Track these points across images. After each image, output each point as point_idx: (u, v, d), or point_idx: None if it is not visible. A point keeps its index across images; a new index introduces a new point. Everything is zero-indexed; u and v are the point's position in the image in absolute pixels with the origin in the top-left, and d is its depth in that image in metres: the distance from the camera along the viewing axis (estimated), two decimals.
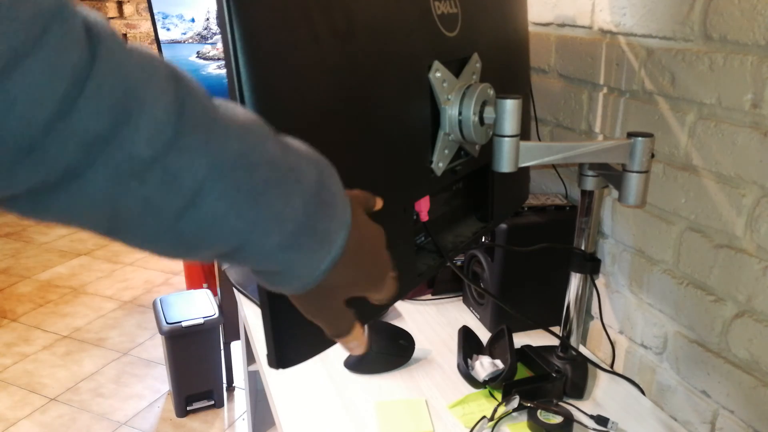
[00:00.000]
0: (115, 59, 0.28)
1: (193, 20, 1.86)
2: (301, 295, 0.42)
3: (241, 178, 0.34)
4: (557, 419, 0.85)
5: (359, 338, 0.48)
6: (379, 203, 0.51)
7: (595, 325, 1.11)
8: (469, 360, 0.99)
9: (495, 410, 0.87)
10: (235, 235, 0.35)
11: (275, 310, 0.51)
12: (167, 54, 1.87)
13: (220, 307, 2.11)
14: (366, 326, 1.01)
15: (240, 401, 2.27)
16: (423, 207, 0.70)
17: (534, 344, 1.03)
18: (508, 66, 0.86)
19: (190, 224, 0.33)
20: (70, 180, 0.29)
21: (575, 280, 0.94)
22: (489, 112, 0.69)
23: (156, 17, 1.85)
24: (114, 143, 0.29)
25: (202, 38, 1.88)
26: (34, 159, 0.27)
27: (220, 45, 1.86)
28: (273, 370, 0.93)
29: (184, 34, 1.87)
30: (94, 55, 0.27)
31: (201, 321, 2.01)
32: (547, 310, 1.11)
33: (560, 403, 0.89)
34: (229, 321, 2.15)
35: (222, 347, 2.17)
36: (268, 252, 0.36)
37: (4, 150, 0.26)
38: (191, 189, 0.32)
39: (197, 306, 2.08)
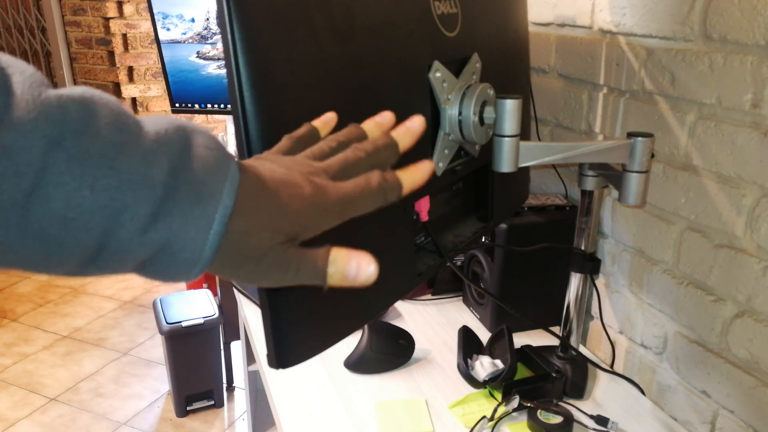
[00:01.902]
0: None
1: (193, 20, 1.86)
2: (221, 267, 0.35)
3: (86, 144, 0.29)
4: (557, 419, 0.85)
5: (345, 260, 0.38)
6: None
7: (595, 325, 1.11)
8: (469, 360, 0.99)
9: (495, 410, 0.87)
10: (96, 213, 0.30)
11: (275, 310, 0.51)
12: (167, 54, 1.87)
13: (220, 307, 2.11)
14: (365, 322, 1.01)
15: (240, 401, 2.27)
16: (423, 207, 0.70)
17: (534, 344, 1.03)
18: (508, 66, 0.86)
19: (42, 211, 0.29)
20: None
21: (575, 280, 0.94)
22: (489, 112, 0.69)
23: (156, 17, 1.85)
24: None
25: (202, 38, 1.88)
26: None
27: (220, 45, 1.86)
28: (273, 370, 0.93)
29: (184, 34, 1.87)
30: None
31: (201, 321, 2.01)
32: (547, 310, 1.11)
33: (560, 403, 0.89)
34: (229, 321, 2.15)
35: (222, 347, 2.17)
36: (137, 228, 0.31)
37: None
38: (32, 166, 0.28)
39: (197, 306, 2.08)
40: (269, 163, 0.38)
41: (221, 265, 0.35)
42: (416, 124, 0.44)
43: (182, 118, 0.35)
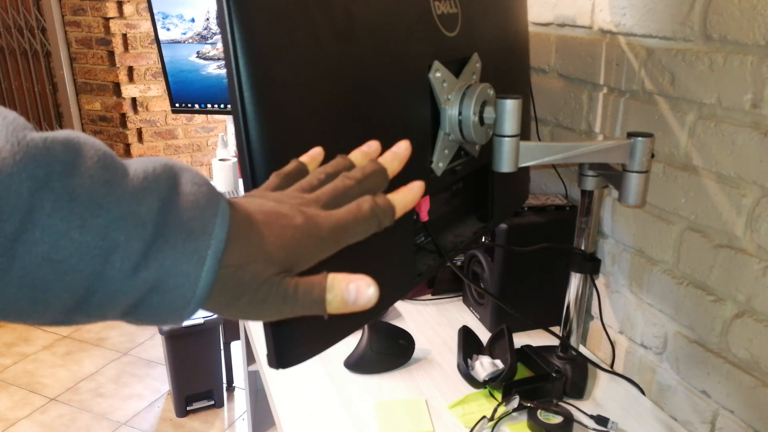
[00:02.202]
0: None
1: (193, 20, 1.86)
2: (216, 304, 0.35)
3: (73, 184, 0.29)
4: (557, 419, 0.85)
5: (343, 286, 0.37)
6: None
7: (595, 325, 1.11)
8: (469, 360, 0.99)
9: (495, 410, 0.87)
10: (85, 254, 0.29)
11: None
12: (167, 54, 1.87)
13: None
14: (366, 326, 1.01)
15: (240, 401, 2.27)
16: (423, 207, 0.70)
17: (534, 344, 1.03)
18: (508, 66, 0.86)
19: (28, 255, 0.28)
20: None
21: (575, 280, 0.94)
22: (489, 112, 0.69)
23: (156, 17, 1.85)
24: None
25: (202, 38, 1.88)
26: None
27: (220, 45, 1.86)
28: (273, 370, 0.93)
29: (184, 34, 1.87)
30: None
31: (201, 321, 2.01)
32: (547, 310, 1.11)
33: (560, 403, 0.89)
34: (229, 321, 2.15)
35: (222, 347, 2.17)
36: (134, 265, 0.30)
37: None
38: (18, 209, 0.27)
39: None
40: (258, 199, 0.38)
41: (216, 301, 0.34)
42: (402, 149, 0.44)
43: (172, 158, 0.35)
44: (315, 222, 0.37)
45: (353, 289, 0.37)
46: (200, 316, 2.02)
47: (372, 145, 0.46)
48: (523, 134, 0.74)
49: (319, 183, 0.41)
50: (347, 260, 0.57)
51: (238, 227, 0.34)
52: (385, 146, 0.61)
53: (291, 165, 0.43)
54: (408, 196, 0.42)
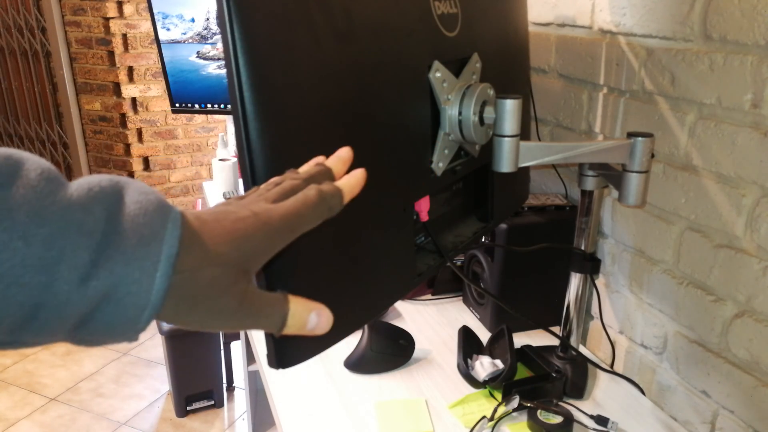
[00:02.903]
0: None
1: (193, 20, 1.86)
2: (177, 313, 0.34)
3: (15, 195, 0.28)
4: (557, 419, 0.85)
5: (303, 316, 0.38)
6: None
7: (595, 325, 1.11)
8: (469, 360, 0.99)
9: (495, 410, 0.87)
10: (30, 266, 0.28)
11: None
12: (167, 54, 1.87)
13: None
14: (366, 326, 1.01)
15: (240, 401, 2.27)
16: (423, 207, 0.69)
17: (534, 344, 1.03)
18: (508, 66, 0.86)
19: None
20: None
21: (575, 280, 0.94)
22: (489, 112, 0.69)
23: (156, 17, 1.85)
24: None
25: (202, 38, 1.88)
26: None
27: (220, 45, 1.86)
28: (273, 370, 0.93)
29: (184, 34, 1.87)
30: None
31: None
32: (547, 310, 1.11)
33: (560, 403, 0.89)
34: None
35: (222, 347, 2.17)
36: (82, 275, 0.29)
37: None
38: None
39: None
40: (205, 209, 0.38)
41: (173, 310, 0.33)
42: (344, 152, 0.46)
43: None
44: (265, 214, 0.37)
45: (314, 318, 0.39)
46: None
47: (319, 158, 0.47)
48: (523, 134, 0.74)
49: (266, 190, 0.41)
50: (347, 260, 0.57)
51: (190, 232, 0.34)
52: (386, 146, 0.61)
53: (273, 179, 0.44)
54: (352, 180, 0.43)
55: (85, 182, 0.31)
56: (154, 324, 2.64)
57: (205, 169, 3.96)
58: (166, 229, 0.32)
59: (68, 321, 0.30)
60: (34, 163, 0.30)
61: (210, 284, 0.34)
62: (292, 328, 0.38)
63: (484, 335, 1.08)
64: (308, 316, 0.38)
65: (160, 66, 3.57)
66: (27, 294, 0.28)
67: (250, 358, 1.81)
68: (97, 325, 0.31)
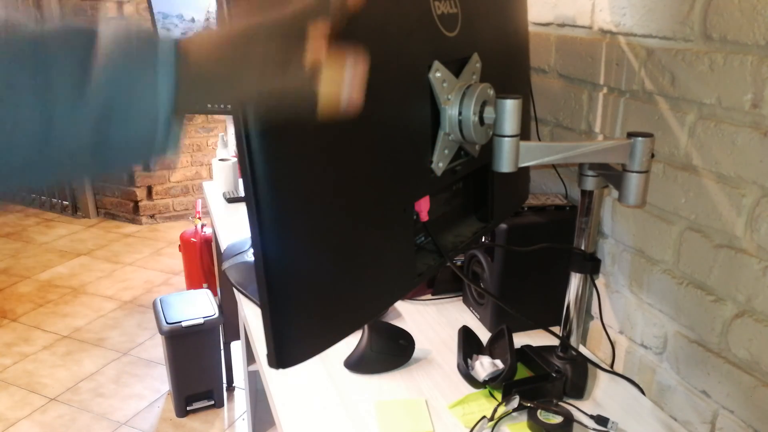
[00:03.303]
0: None
1: (193, 20, 1.86)
2: (194, 74, 0.38)
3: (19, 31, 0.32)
4: (557, 419, 0.85)
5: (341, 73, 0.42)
6: None
7: (595, 325, 1.11)
8: (469, 360, 0.99)
9: (495, 410, 0.87)
10: (27, 100, 0.32)
11: (275, 310, 0.51)
12: None
13: (220, 307, 2.11)
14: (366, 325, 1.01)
15: (240, 401, 2.27)
16: (423, 207, 0.69)
17: (534, 344, 1.03)
18: (508, 66, 0.86)
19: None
20: None
21: (575, 280, 0.94)
22: (489, 112, 0.69)
23: (156, 17, 1.85)
24: None
25: None
26: None
27: None
28: (273, 370, 0.93)
29: (184, 34, 1.87)
30: None
31: (201, 321, 2.01)
32: (547, 310, 1.11)
33: (560, 403, 0.89)
34: (229, 321, 2.15)
35: (222, 347, 2.17)
36: (76, 89, 0.32)
37: None
38: None
39: (197, 306, 2.08)
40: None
41: (186, 98, 0.36)
42: None
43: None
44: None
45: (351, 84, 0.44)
46: (200, 316, 2.02)
47: None
48: (523, 134, 0.74)
49: None
50: (348, 260, 0.57)
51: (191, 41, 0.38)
52: (386, 146, 0.61)
53: None
54: None
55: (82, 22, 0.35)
56: (154, 324, 2.64)
57: (205, 169, 3.96)
58: (162, 44, 0.36)
59: (80, 139, 0.33)
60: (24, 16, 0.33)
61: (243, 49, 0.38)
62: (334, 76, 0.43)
63: (484, 335, 1.08)
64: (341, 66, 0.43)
65: None
66: (31, 120, 0.31)
67: (250, 358, 1.81)
68: (116, 126, 0.34)
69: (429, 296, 1.27)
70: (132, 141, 0.35)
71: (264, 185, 0.48)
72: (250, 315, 1.19)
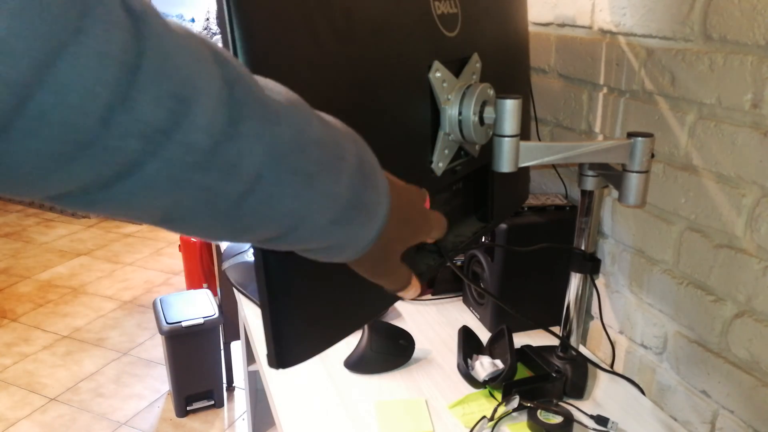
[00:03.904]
0: (162, 43, 0.27)
1: (193, 20, 1.86)
2: (358, 261, 0.44)
3: (295, 162, 0.34)
4: (557, 419, 0.85)
5: (416, 286, 0.52)
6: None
7: (595, 325, 1.11)
8: (469, 360, 0.99)
9: (495, 410, 0.87)
10: (290, 216, 0.36)
11: (275, 310, 0.51)
12: None
13: (220, 307, 2.11)
14: (367, 326, 1.01)
15: (240, 401, 2.27)
16: None
17: (534, 344, 1.03)
18: (508, 66, 0.86)
19: (247, 210, 0.34)
20: (126, 174, 0.28)
21: (575, 280, 0.94)
22: (489, 112, 0.69)
23: None
24: (172, 134, 0.28)
25: None
26: (91, 154, 0.26)
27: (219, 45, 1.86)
28: (273, 370, 0.93)
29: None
30: (140, 37, 0.26)
31: (201, 321, 2.01)
32: (547, 310, 1.11)
33: (560, 403, 0.89)
34: (229, 321, 2.15)
35: (222, 347, 2.17)
36: (321, 230, 0.38)
37: (59, 145, 0.25)
38: (250, 175, 0.32)
39: (197, 306, 2.08)
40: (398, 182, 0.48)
41: (368, 259, 0.45)
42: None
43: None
44: (428, 215, 0.50)
45: (413, 293, 0.53)
46: (200, 316, 2.02)
47: None
48: (523, 134, 0.73)
49: None
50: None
51: (393, 207, 0.44)
52: (386, 146, 0.61)
53: None
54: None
55: (341, 139, 0.39)
56: (154, 324, 2.64)
57: None
58: (383, 206, 0.42)
59: (303, 246, 0.40)
60: (311, 124, 0.37)
61: (390, 246, 0.46)
62: (407, 290, 0.52)
63: (484, 335, 1.08)
64: (412, 293, 0.52)
65: None
66: (277, 230, 0.37)
67: (250, 358, 1.81)
68: (319, 255, 0.42)
69: (429, 296, 1.27)
70: (330, 257, 0.43)
71: None
72: (250, 315, 1.19)
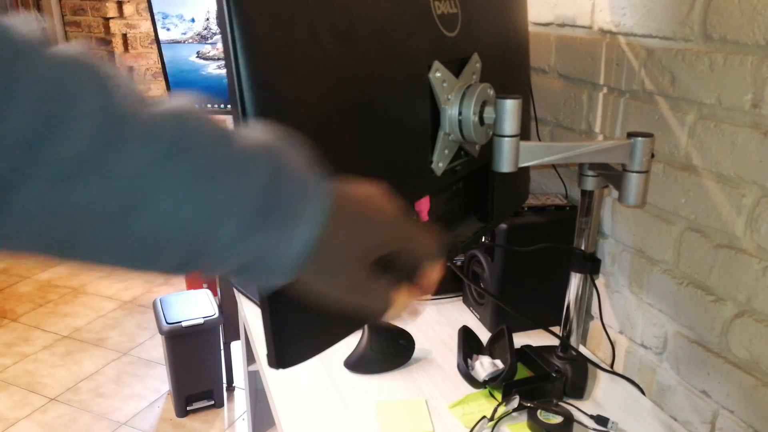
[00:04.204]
0: (37, 57, 0.28)
1: (193, 20, 1.86)
2: (310, 277, 0.38)
3: (182, 165, 0.32)
4: (557, 419, 0.85)
5: (405, 304, 0.44)
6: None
7: (595, 325, 1.11)
8: (469, 360, 0.99)
9: (495, 410, 0.87)
10: (192, 228, 0.32)
11: (275, 310, 0.51)
12: (167, 54, 1.87)
13: (220, 307, 2.11)
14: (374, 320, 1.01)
15: (240, 401, 2.27)
16: (423, 207, 0.69)
17: (534, 344, 1.03)
18: (508, 66, 0.86)
19: (142, 224, 0.31)
20: (2, 195, 0.27)
21: (575, 280, 0.94)
22: (489, 112, 0.69)
23: (156, 17, 1.85)
24: (47, 146, 0.27)
25: (202, 38, 1.88)
26: None
27: (220, 45, 1.86)
28: (273, 370, 0.93)
29: (184, 34, 1.87)
30: (16, 53, 0.27)
31: (201, 321, 2.01)
32: (547, 310, 1.11)
33: (560, 403, 0.89)
34: (229, 321, 2.15)
35: (222, 347, 2.17)
36: (232, 241, 0.34)
37: None
38: (134, 185, 0.30)
39: (197, 306, 2.08)
40: (354, 185, 0.42)
41: (315, 272, 0.38)
42: None
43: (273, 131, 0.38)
44: (401, 220, 0.42)
45: (405, 310, 0.45)
46: (200, 316, 2.02)
47: None
48: (523, 134, 0.73)
49: None
50: None
51: (333, 207, 0.37)
52: (386, 146, 0.61)
53: None
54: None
55: (249, 142, 0.35)
56: (154, 324, 2.64)
57: None
58: (313, 201, 0.36)
59: (222, 269, 0.36)
60: (202, 123, 0.33)
61: (333, 267, 0.38)
62: (394, 312, 0.43)
63: (484, 335, 1.08)
64: (403, 308, 0.44)
65: (160, 66, 3.57)
66: (188, 246, 0.33)
67: (250, 358, 1.81)
68: (253, 278, 0.38)
69: (429, 296, 1.26)
70: (256, 279, 0.38)
71: None
72: (250, 315, 1.19)
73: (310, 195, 0.36)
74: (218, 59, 1.89)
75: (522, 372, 0.99)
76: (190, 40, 1.87)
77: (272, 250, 0.35)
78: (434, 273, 0.45)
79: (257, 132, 0.37)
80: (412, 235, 0.43)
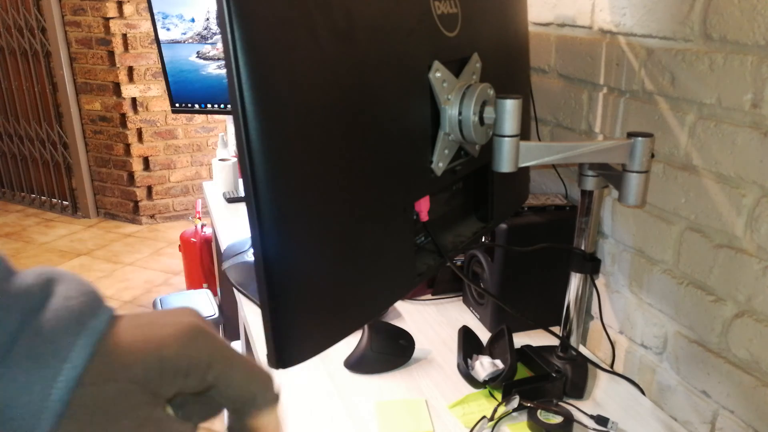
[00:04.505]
0: None
1: (193, 20, 1.86)
2: (94, 424, 0.30)
3: None
4: (557, 419, 0.85)
5: None
6: None
7: (595, 325, 1.11)
8: (469, 360, 0.99)
9: (495, 410, 0.87)
10: None
11: (275, 310, 0.51)
12: (167, 54, 1.87)
13: (220, 307, 2.11)
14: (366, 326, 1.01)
15: None
16: (423, 207, 0.69)
17: (534, 344, 1.03)
18: (508, 66, 0.86)
19: None
20: None
21: (575, 280, 0.94)
22: (489, 112, 0.69)
23: (156, 17, 1.85)
24: None
25: (202, 38, 1.88)
26: None
27: (220, 45, 1.86)
28: (273, 370, 0.93)
29: (184, 34, 1.87)
30: None
31: None
32: (547, 310, 1.11)
33: (560, 403, 0.89)
34: (229, 321, 2.15)
35: None
36: None
37: None
38: None
39: (197, 306, 2.08)
40: (144, 313, 0.35)
41: (83, 424, 0.30)
42: None
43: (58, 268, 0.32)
44: (205, 327, 0.34)
45: None
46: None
47: None
48: (523, 134, 0.73)
49: None
50: (348, 260, 0.57)
51: (104, 345, 0.31)
52: (386, 146, 0.61)
53: None
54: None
55: (20, 279, 0.30)
56: None
57: (205, 169, 3.96)
58: (75, 346, 0.30)
59: None
60: None
61: (111, 403, 0.31)
62: None
63: (484, 335, 1.08)
64: None
65: (160, 66, 3.57)
66: None
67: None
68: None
69: (429, 296, 1.27)
70: None
71: (264, 185, 0.48)
72: (250, 315, 1.19)
73: (75, 329, 0.30)
74: (218, 59, 1.89)
75: (522, 372, 0.99)
76: (190, 40, 1.87)
77: (13, 402, 0.29)
78: (271, 423, 0.34)
79: (35, 269, 0.32)
80: (229, 362, 0.33)
